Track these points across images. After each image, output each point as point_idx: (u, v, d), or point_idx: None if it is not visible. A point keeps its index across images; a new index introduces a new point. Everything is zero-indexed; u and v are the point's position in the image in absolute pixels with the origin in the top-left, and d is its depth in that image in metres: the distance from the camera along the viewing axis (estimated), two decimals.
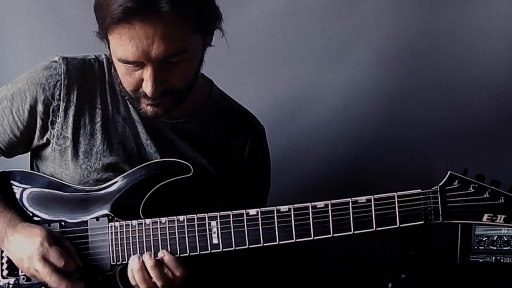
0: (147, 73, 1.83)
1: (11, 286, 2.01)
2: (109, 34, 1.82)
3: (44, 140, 2.01)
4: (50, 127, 1.99)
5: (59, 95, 1.97)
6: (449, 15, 2.47)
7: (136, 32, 1.77)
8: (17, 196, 2.03)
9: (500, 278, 2.14)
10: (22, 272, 1.98)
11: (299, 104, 2.57)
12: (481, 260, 2.20)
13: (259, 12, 2.54)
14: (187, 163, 1.93)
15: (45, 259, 1.87)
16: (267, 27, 2.56)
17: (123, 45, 1.80)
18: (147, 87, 1.84)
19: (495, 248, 2.19)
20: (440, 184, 1.73)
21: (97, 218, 1.95)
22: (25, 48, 2.71)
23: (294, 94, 2.57)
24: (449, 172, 1.73)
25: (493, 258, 2.19)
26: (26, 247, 1.90)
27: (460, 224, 2.14)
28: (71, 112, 1.98)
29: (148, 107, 1.91)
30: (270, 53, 2.57)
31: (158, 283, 1.86)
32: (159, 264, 1.87)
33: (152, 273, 1.86)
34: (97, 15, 1.85)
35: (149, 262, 1.87)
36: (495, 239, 2.19)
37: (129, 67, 1.84)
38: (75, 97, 1.98)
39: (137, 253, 1.91)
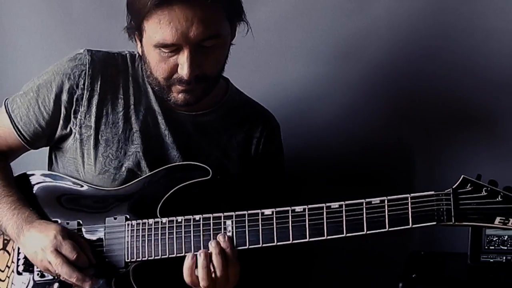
0: (183, 57, 1.88)
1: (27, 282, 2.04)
2: (146, 21, 1.88)
3: (67, 130, 2.05)
4: (72, 116, 2.03)
5: (84, 84, 2.01)
6: (460, 14, 2.45)
7: (176, 15, 1.83)
8: (37, 196, 2.07)
9: (510, 278, 2.15)
10: (37, 268, 2.00)
11: (310, 103, 2.56)
12: (491, 260, 2.20)
13: (269, 12, 2.54)
14: (206, 166, 1.96)
15: (57, 251, 1.90)
16: (278, 27, 2.56)
17: (162, 29, 1.85)
18: (183, 70, 1.89)
19: (505, 248, 2.20)
20: (453, 187, 1.74)
21: (115, 217, 1.98)
22: (36, 47, 2.72)
23: (305, 94, 2.57)
24: (462, 176, 1.75)
25: (504, 258, 2.20)
26: (40, 240, 1.93)
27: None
28: (95, 101, 2.02)
29: (180, 95, 1.96)
30: (280, 52, 2.57)
31: (219, 272, 1.86)
32: (223, 252, 1.87)
33: (216, 260, 1.85)
34: (133, 5, 1.90)
35: (215, 249, 1.86)
36: (505, 239, 2.20)
37: (164, 52, 1.90)
38: (98, 87, 2.02)
39: (151, 250, 1.93)
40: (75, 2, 2.69)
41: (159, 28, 1.86)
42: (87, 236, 1.99)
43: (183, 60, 1.89)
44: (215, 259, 1.86)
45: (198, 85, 1.94)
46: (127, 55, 2.09)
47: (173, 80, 1.94)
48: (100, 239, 1.98)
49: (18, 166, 2.15)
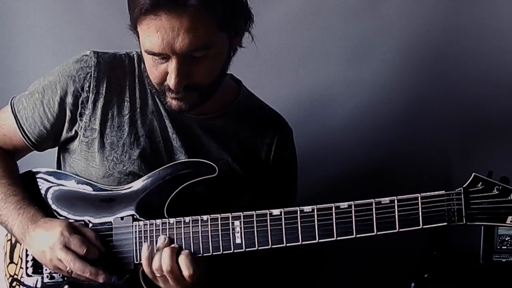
0: (171, 66, 1.85)
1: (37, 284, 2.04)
2: (138, 26, 1.86)
3: (73, 132, 2.04)
4: (78, 119, 2.02)
5: (89, 87, 2.00)
6: (472, 14, 2.45)
7: (162, 24, 1.80)
8: (43, 195, 2.06)
9: None
10: (46, 269, 2.00)
11: (322, 104, 2.57)
12: (504, 260, 2.19)
13: (281, 12, 2.54)
14: (212, 163, 1.94)
15: (67, 248, 1.90)
16: (290, 27, 2.56)
17: (150, 36, 1.83)
18: (170, 80, 1.87)
19: None
20: (464, 186, 1.72)
21: (122, 217, 1.96)
22: (47, 46, 2.73)
23: (317, 94, 2.57)
24: (473, 174, 1.72)
25: None
26: (47, 238, 1.92)
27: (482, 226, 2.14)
28: (100, 104, 2.01)
29: (173, 101, 1.93)
30: (293, 53, 2.57)
31: (166, 266, 1.85)
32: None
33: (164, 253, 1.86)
34: (129, 7, 1.88)
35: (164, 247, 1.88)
36: None
37: (155, 59, 1.87)
38: (104, 90, 2.01)
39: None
40: (87, 1, 2.69)
41: (147, 36, 1.83)
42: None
43: (171, 70, 1.86)
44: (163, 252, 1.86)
45: (191, 93, 1.91)
46: (135, 56, 2.06)
47: (164, 86, 1.91)
48: (108, 240, 1.96)
49: (26, 164, 2.15)
